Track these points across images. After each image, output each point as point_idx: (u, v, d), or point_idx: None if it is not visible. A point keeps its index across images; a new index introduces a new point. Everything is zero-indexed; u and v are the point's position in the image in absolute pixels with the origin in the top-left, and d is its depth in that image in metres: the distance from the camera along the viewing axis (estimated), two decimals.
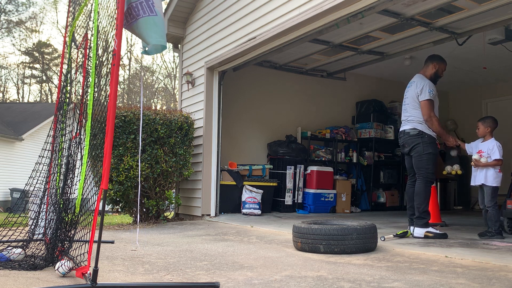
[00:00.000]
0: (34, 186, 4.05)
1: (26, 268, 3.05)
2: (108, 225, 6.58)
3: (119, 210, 6.72)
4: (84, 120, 3.30)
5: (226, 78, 7.33)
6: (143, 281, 2.84)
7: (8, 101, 31.89)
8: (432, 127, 4.60)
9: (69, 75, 4.02)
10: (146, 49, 3.16)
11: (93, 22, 3.23)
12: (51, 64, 32.94)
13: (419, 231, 4.52)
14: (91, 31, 3.34)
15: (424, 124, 4.62)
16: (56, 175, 3.83)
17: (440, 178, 7.71)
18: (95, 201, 2.68)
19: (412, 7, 5.38)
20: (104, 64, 3.12)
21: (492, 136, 4.68)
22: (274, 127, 8.31)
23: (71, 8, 4.26)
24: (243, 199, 7.08)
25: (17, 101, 31.60)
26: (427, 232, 4.48)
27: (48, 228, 3.68)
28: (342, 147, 8.83)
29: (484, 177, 4.54)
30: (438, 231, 4.50)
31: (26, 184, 4.06)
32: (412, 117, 4.70)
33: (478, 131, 4.72)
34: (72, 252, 3.03)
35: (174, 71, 30.66)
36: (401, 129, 4.85)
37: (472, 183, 4.68)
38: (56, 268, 2.88)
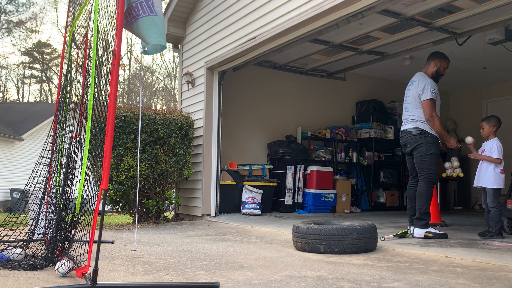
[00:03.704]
0: (34, 186, 4.05)
1: (26, 268, 3.05)
2: (108, 225, 6.58)
3: (119, 210, 6.72)
4: (84, 120, 3.30)
5: (226, 78, 7.33)
6: (143, 281, 2.84)
7: (8, 101, 31.89)
8: (434, 127, 4.54)
9: (69, 75, 4.02)
10: (145, 49, 3.16)
11: (93, 22, 3.23)
12: (51, 64, 32.95)
13: (419, 232, 4.50)
14: (91, 31, 3.34)
15: (427, 124, 4.56)
16: (56, 175, 3.83)
17: (440, 178, 7.71)
18: (95, 201, 2.67)
19: (412, 7, 5.38)
20: (104, 64, 3.12)
21: (496, 136, 4.66)
22: (274, 127, 8.31)
23: (71, 8, 4.27)
24: (243, 199, 7.08)
25: (17, 101, 31.61)
26: (427, 232, 4.47)
27: (48, 228, 3.68)
28: (342, 147, 8.83)
29: (484, 179, 4.52)
30: (438, 231, 4.49)
31: (26, 184, 4.06)
32: (414, 116, 4.64)
33: (483, 131, 4.67)
34: (72, 252, 3.03)
35: (174, 71, 30.67)
36: (402, 128, 4.79)
37: (474, 184, 4.66)
38: (56, 268, 2.88)
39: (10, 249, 3.36)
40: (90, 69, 3.21)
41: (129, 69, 31.76)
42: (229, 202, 7.20)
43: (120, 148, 6.16)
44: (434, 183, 4.60)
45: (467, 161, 8.85)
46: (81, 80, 3.54)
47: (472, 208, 9.60)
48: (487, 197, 4.52)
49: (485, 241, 4.24)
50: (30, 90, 34.55)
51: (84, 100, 3.38)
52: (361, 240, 3.70)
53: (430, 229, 4.50)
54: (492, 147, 4.52)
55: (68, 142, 3.66)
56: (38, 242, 3.88)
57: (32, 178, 4.01)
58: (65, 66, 4.20)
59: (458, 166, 5.48)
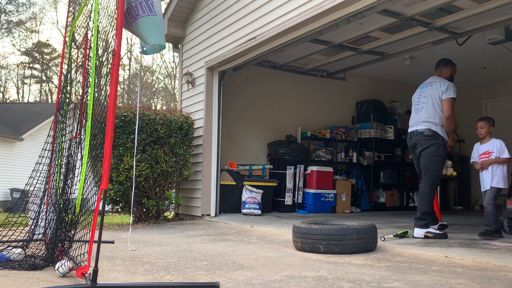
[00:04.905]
0: (34, 186, 4.05)
1: (26, 268, 3.05)
2: (108, 225, 6.58)
3: (119, 210, 6.72)
4: (84, 120, 3.30)
5: (226, 78, 7.33)
6: (143, 281, 2.84)
7: (8, 101, 31.89)
8: (450, 126, 4.66)
9: (69, 75, 4.02)
10: (144, 48, 3.16)
11: (93, 22, 3.23)
12: (51, 64, 32.95)
13: (419, 232, 4.51)
14: (91, 31, 3.34)
15: (439, 126, 4.64)
16: (56, 175, 3.83)
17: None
18: (95, 201, 2.67)
19: (412, 7, 5.38)
20: (104, 64, 3.12)
21: (492, 136, 4.66)
22: (274, 127, 8.31)
23: (71, 8, 4.27)
24: (243, 199, 7.08)
25: (17, 101, 31.60)
26: (427, 232, 4.47)
27: (48, 228, 3.68)
28: (342, 147, 8.83)
29: (491, 180, 4.49)
30: (438, 231, 4.50)
31: (26, 184, 4.06)
32: (428, 118, 4.71)
33: (482, 130, 4.65)
34: (72, 252, 3.03)
35: (174, 71, 30.66)
36: (412, 129, 4.81)
37: (483, 189, 4.64)
38: (56, 268, 2.88)
39: (10, 249, 3.36)
40: (90, 69, 3.21)
41: (129, 69, 31.77)
42: (229, 202, 7.20)
43: (120, 148, 6.16)
44: (437, 184, 4.64)
45: (467, 161, 8.86)
46: (81, 80, 3.54)
47: (472, 208, 9.59)
48: (489, 195, 4.51)
49: (485, 241, 4.24)
50: (30, 90, 34.59)
51: (84, 100, 3.38)
52: (361, 240, 3.70)
53: (430, 229, 4.50)
54: (501, 148, 4.51)
55: (68, 142, 3.66)
56: (38, 242, 3.88)
57: (32, 178, 4.01)
58: (65, 66, 4.20)
59: (451, 165, 5.51)
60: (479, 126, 4.70)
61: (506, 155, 4.48)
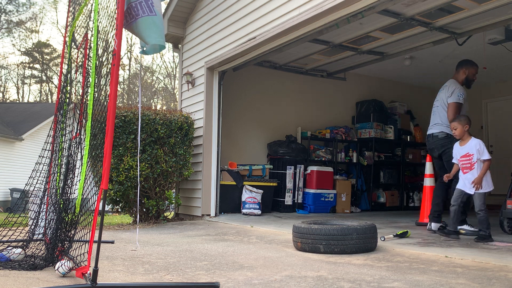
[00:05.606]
0: (34, 186, 4.05)
1: (26, 268, 3.05)
2: (108, 225, 6.58)
3: (119, 210, 6.72)
4: (84, 120, 3.30)
5: (226, 78, 7.33)
6: (143, 281, 2.84)
7: (8, 101, 31.90)
8: None
9: (69, 75, 4.02)
10: (144, 49, 3.16)
11: (93, 22, 3.23)
12: (51, 64, 32.96)
13: None
14: (91, 31, 3.34)
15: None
16: (56, 175, 3.83)
17: None
18: (95, 201, 2.67)
19: (412, 7, 5.38)
20: (104, 64, 3.12)
21: (471, 135, 4.45)
22: (274, 127, 8.31)
23: (71, 8, 4.27)
24: (243, 199, 7.08)
25: (17, 101, 31.61)
26: (460, 229, 4.71)
27: (48, 228, 3.68)
28: (342, 147, 8.83)
29: (484, 183, 4.41)
30: (472, 228, 4.72)
31: (26, 184, 4.06)
32: (439, 121, 4.93)
33: (456, 132, 4.43)
34: (72, 252, 3.03)
35: (174, 71, 30.67)
36: (428, 133, 5.10)
37: (463, 188, 4.48)
38: (56, 268, 2.88)
39: (10, 249, 3.36)
40: (90, 69, 3.21)
41: (129, 69, 31.77)
42: (229, 202, 7.20)
43: (120, 148, 6.16)
44: None
45: None
46: (81, 80, 3.54)
47: (472, 208, 9.58)
48: (478, 201, 4.46)
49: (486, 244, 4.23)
50: (30, 90, 34.59)
51: (84, 100, 3.38)
52: (361, 240, 3.70)
53: (465, 226, 4.77)
54: (480, 149, 4.30)
55: (68, 142, 3.66)
56: (38, 242, 3.88)
57: (32, 178, 4.01)
58: (65, 66, 4.20)
59: None
60: (452, 128, 4.51)
61: (485, 156, 4.29)
